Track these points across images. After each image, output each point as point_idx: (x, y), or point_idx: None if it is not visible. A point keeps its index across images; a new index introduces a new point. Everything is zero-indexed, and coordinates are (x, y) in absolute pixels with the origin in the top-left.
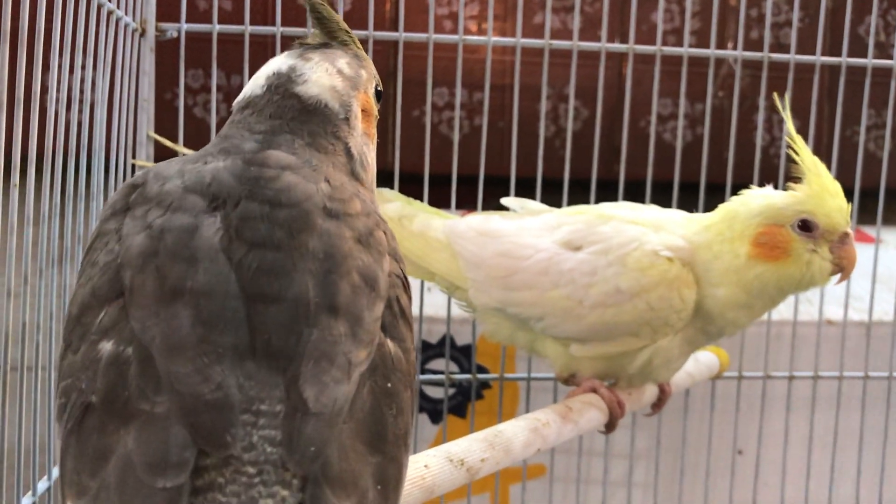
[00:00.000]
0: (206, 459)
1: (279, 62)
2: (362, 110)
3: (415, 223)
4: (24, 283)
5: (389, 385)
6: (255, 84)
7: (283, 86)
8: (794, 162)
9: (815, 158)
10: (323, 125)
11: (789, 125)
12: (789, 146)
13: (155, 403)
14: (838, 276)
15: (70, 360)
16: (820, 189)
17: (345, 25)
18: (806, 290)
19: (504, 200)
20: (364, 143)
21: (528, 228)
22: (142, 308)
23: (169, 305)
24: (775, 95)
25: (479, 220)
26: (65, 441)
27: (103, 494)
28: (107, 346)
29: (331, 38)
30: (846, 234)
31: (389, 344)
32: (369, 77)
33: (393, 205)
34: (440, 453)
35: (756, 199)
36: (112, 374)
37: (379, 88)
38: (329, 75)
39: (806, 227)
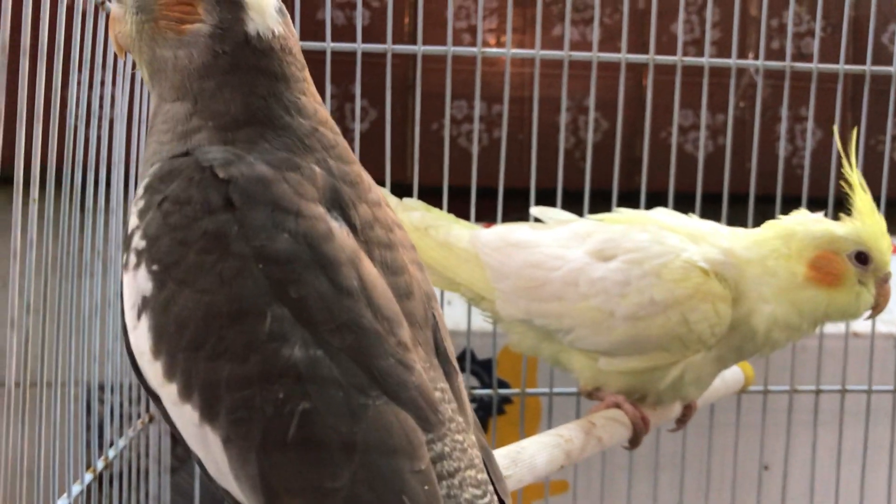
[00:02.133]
0: (428, 435)
1: None
2: None
3: (440, 233)
4: (42, 299)
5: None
6: (263, 24)
7: (283, 37)
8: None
9: (870, 198)
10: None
11: (854, 162)
12: (848, 183)
13: (373, 397)
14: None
15: (234, 371)
16: (875, 227)
17: None
18: (845, 319)
19: (532, 210)
20: None
21: (557, 238)
22: (321, 312)
23: (348, 307)
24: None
25: (507, 231)
26: (266, 454)
27: (359, 489)
28: (296, 353)
29: None
30: (889, 275)
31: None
32: None
33: (416, 214)
34: None
35: (815, 224)
36: (319, 379)
37: None
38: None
39: (862, 259)
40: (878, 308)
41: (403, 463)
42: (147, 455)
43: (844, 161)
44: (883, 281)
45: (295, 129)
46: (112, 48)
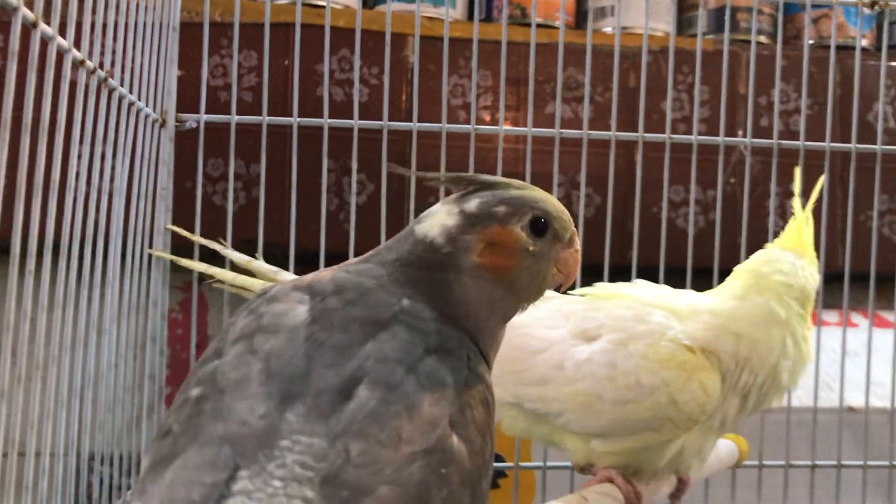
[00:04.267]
0: (245, 471)
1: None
2: (491, 243)
3: None
4: (36, 369)
5: (443, 471)
6: None
7: (412, 224)
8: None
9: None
10: (429, 257)
11: (796, 202)
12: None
13: (217, 427)
14: None
15: (169, 410)
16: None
17: (497, 179)
18: None
19: None
20: (477, 275)
21: (539, 318)
22: (227, 364)
23: (247, 361)
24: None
25: None
26: (143, 465)
27: (157, 490)
28: (195, 391)
29: (483, 189)
30: None
31: (454, 439)
32: (513, 211)
33: None
34: None
35: (803, 274)
36: (194, 409)
37: (542, 221)
38: (447, 215)
39: None
40: None
41: (200, 474)
42: None
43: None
44: None
45: None
46: (113, 123)
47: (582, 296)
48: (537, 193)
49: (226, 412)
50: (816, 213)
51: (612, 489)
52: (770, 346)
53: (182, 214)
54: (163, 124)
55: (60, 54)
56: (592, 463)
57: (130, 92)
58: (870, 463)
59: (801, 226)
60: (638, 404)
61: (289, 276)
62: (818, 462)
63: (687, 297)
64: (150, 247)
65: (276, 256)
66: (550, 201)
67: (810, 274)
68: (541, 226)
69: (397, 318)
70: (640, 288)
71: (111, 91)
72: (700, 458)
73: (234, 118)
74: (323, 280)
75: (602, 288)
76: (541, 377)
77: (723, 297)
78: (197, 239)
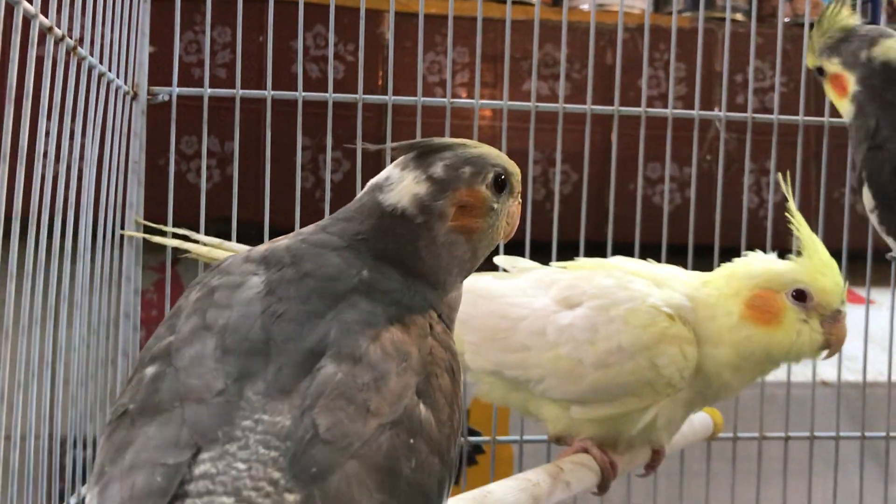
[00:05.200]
0: (206, 454)
1: (383, 172)
2: (461, 206)
3: None
4: (4, 341)
5: (412, 441)
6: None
7: (372, 194)
8: (784, 226)
9: (814, 236)
10: (399, 228)
11: (790, 200)
12: (789, 221)
13: (174, 406)
14: (826, 350)
15: (124, 389)
16: (819, 264)
17: (451, 140)
18: (795, 360)
19: (496, 259)
20: (449, 241)
21: (520, 287)
22: (181, 340)
23: (201, 337)
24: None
25: (471, 281)
26: (99, 446)
27: (117, 473)
28: (151, 369)
29: (440, 151)
30: (839, 312)
31: (421, 408)
32: (477, 171)
33: None
34: None
35: (756, 262)
36: (150, 388)
37: (501, 178)
38: (415, 183)
39: (800, 297)
40: (832, 348)
41: (162, 455)
42: None
43: (790, 204)
44: (832, 319)
45: None
46: (83, 95)
47: (563, 268)
48: (492, 150)
49: (182, 390)
50: (790, 188)
51: (588, 459)
52: (707, 325)
53: (155, 193)
54: (134, 97)
55: (27, 21)
56: (569, 433)
57: (101, 62)
58: (842, 434)
59: (810, 241)
60: (619, 367)
61: None
62: (791, 434)
63: (666, 269)
64: (123, 221)
65: (251, 235)
66: (504, 157)
67: (757, 260)
68: (500, 182)
69: (357, 290)
70: (618, 261)
71: (81, 61)
72: (669, 430)
73: (207, 91)
74: (278, 250)
75: (580, 261)
76: (522, 343)
77: (698, 273)
78: (168, 229)
